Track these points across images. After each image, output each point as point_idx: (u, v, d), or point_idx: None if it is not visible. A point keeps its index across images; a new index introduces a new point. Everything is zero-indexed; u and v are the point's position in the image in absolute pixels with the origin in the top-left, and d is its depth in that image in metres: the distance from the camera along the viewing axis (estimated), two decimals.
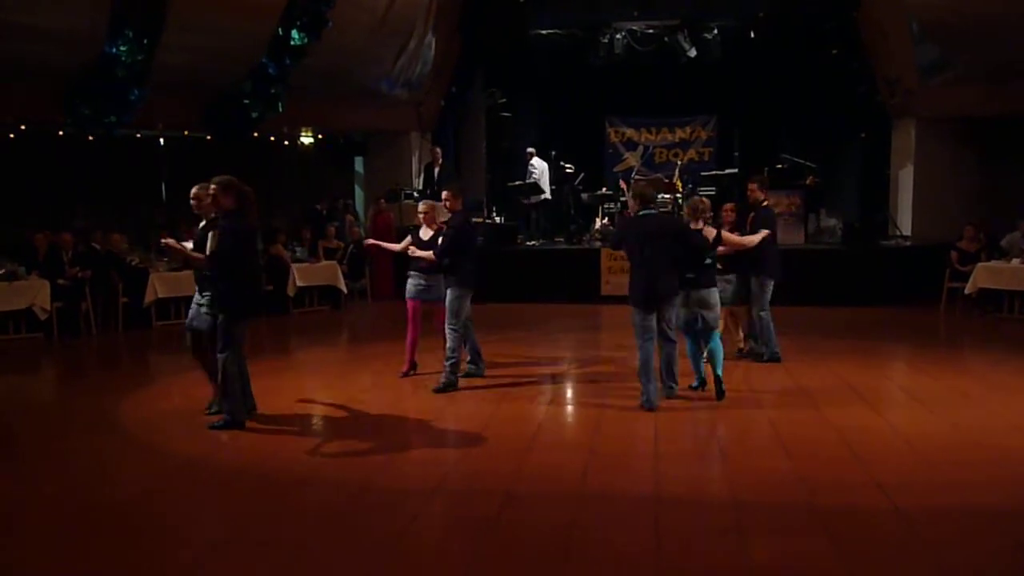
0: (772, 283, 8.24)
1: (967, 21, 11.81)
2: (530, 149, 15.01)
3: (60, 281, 10.80)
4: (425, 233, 7.85)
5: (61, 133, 12.83)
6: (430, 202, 8.16)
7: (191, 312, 6.53)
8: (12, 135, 12.61)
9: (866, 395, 7.26)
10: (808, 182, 13.79)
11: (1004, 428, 6.24)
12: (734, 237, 7.86)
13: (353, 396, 7.34)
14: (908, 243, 13.96)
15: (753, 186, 8.43)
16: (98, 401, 7.42)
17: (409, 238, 8.02)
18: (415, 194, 14.34)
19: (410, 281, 7.93)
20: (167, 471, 5.58)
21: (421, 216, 7.97)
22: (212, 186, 6.15)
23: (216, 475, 5.45)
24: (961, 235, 12.58)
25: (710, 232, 7.17)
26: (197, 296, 6.47)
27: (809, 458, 5.56)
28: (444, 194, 7.85)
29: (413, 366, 8.03)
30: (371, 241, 9.13)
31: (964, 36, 12.18)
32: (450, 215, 7.62)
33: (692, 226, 7.06)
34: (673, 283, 6.73)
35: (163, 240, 6.67)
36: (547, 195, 14.84)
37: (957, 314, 11.97)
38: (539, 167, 14.82)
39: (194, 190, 6.48)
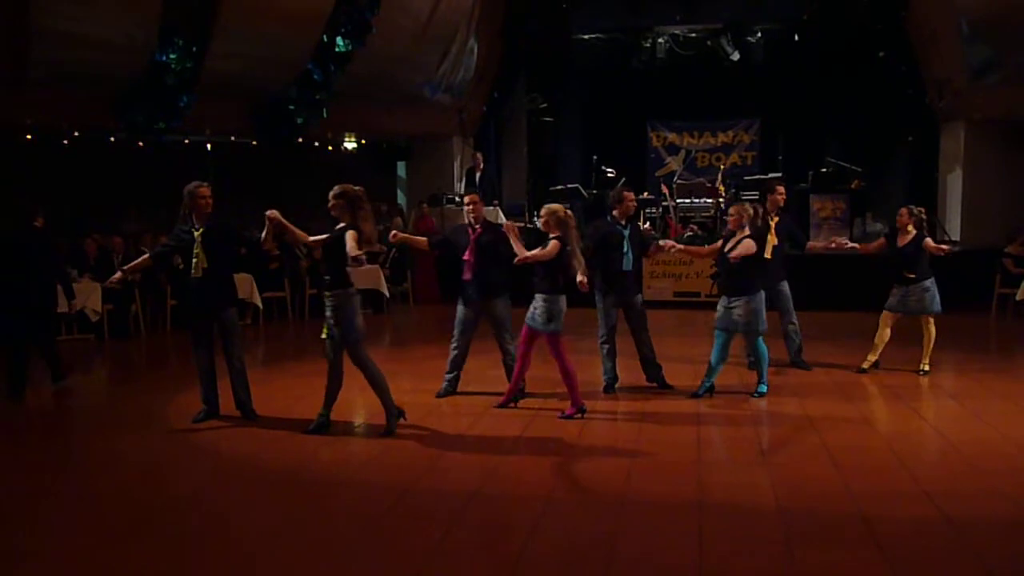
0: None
1: (1020, 20, 11.57)
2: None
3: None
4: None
5: (113, 139, 13.13)
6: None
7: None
8: (66, 141, 12.93)
9: (913, 402, 7.15)
10: (853, 186, 13.62)
11: None
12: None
13: (395, 399, 7.37)
14: (957, 248, 13.67)
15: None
16: (147, 401, 7.59)
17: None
18: (456, 199, 14.42)
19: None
20: (214, 471, 5.67)
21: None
22: None
23: (261, 476, 5.52)
24: (1012, 239, 12.32)
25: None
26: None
27: (855, 465, 5.48)
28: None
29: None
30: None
31: (1016, 36, 11.93)
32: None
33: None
34: None
35: None
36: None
37: (1008, 321, 11.73)
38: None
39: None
